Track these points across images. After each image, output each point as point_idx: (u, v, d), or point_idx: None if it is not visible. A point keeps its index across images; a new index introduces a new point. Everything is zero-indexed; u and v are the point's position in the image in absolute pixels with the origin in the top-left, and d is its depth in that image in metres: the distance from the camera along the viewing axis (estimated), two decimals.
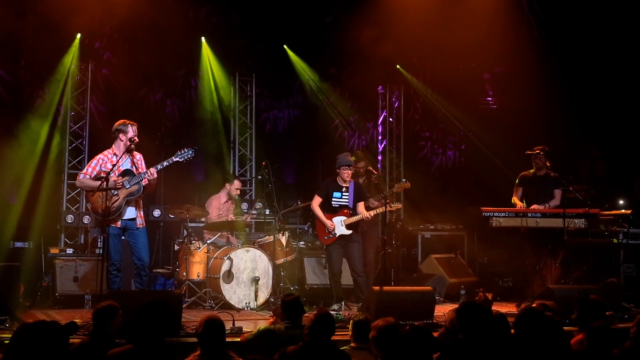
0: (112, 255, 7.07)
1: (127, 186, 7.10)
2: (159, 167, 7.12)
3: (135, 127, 7.20)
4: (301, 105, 12.34)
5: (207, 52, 11.32)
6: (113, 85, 10.69)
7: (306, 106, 12.23)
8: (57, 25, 9.56)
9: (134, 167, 7.19)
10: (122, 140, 7.16)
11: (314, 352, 4.29)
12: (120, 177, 7.04)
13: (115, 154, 7.19)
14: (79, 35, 10.27)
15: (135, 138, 7.17)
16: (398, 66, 11.90)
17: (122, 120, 7.24)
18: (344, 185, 7.98)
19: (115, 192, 7.00)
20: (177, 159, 7.18)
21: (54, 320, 4.33)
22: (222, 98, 11.44)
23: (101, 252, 7.08)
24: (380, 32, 10.50)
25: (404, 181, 8.61)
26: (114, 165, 7.03)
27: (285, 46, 11.52)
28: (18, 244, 8.88)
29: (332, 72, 11.92)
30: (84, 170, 7.22)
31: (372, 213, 7.93)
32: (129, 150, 7.15)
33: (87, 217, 9.62)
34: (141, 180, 7.12)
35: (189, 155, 7.21)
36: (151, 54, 10.43)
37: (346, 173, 7.90)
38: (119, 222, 7.12)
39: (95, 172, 7.11)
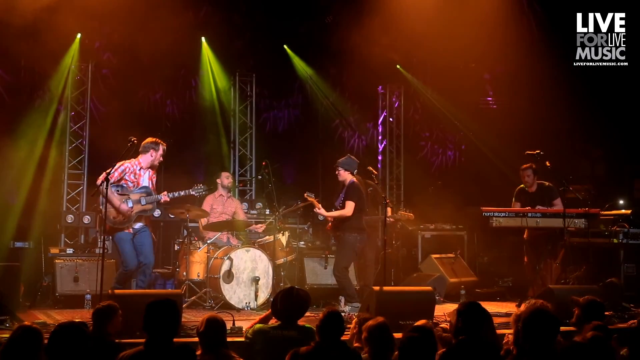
0: (129, 260, 7.31)
1: (143, 203, 7.40)
2: (175, 194, 7.56)
3: (165, 148, 7.52)
4: (301, 105, 12.34)
5: (207, 52, 11.32)
6: (113, 85, 10.69)
7: (306, 106, 12.22)
8: (57, 25, 9.55)
9: (150, 183, 7.44)
10: (152, 157, 7.43)
11: (326, 353, 4.20)
12: (130, 209, 7.26)
13: (141, 167, 7.44)
14: (79, 35, 10.25)
15: (161, 158, 7.51)
16: (398, 66, 11.88)
17: (155, 139, 7.51)
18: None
19: (131, 205, 7.30)
20: (193, 192, 7.74)
21: (84, 322, 4.41)
22: (222, 98, 11.44)
23: (101, 252, 7.15)
24: (380, 32, 10.49)
25: (406, 211, 9.33)
26: (109, 168, 7.09)
27: (285, 46, 11.52)
28: (18, 244, 8.86)
29: (332, 72, 11.91)
30: (111, 173, 7.02)
31: (323, 212, 7.90)
32: (152, 167, 7.49)
33: (87, 217, 9.62)
34: (156, 201, 7.48)
35: (202, 192, 7.84)
36: (151, 54, 10.42)
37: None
38: (131, 229, 7.38)
39: (119, 177, 7.29)
